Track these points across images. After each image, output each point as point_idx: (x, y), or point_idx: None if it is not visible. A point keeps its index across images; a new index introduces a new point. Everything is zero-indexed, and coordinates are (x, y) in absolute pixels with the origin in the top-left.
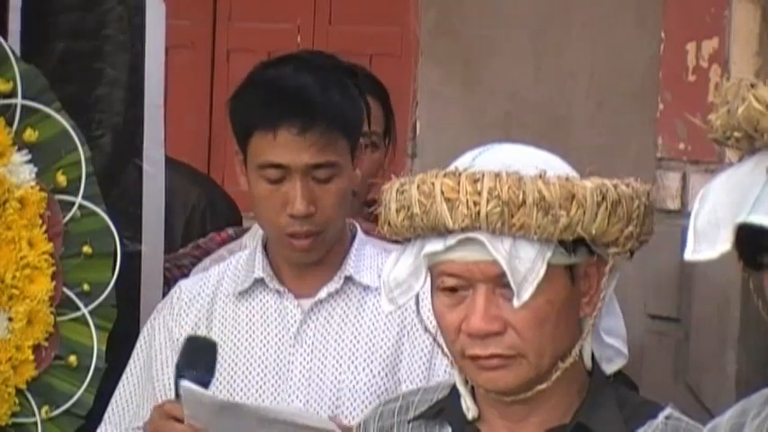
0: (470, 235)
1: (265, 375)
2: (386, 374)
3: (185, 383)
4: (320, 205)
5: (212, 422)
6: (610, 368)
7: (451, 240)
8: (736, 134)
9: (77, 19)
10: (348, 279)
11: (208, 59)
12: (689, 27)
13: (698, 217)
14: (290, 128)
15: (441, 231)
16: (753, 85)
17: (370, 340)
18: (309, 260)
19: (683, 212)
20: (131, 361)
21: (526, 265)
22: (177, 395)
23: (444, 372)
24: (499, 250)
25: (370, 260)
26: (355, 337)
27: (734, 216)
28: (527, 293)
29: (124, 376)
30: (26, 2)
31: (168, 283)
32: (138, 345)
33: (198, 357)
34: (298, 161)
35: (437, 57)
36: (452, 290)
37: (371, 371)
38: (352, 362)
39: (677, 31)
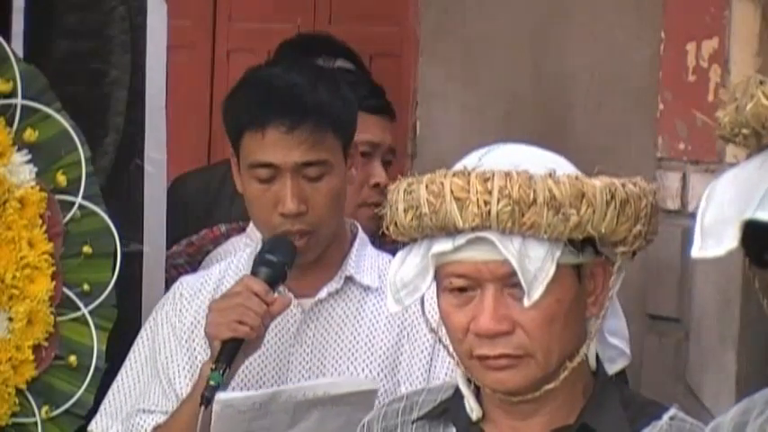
0: (480, 234)
1: (264, 374)
2: (385, 375)
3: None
4: (311, 204)
5: None
6: (612, 368)
7: (461, 240)
8: (744, 131)
9: (80, 19)
10: (349, 279)
11: (208, 59)
12: (689, 27)
13: (705, 214)
14: (279, 126)
15: (450, 231)
16: (762, 83)
17: (370, 341)
18: (305, 260)
19: (683, 212)
20: (131, 355)
21: (536, 264)
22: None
23: (445, 374)
24: (509, 249)
25: (371, 261)
26: (355, 338)
27: (741, 213)
28: (537, 293)
29: (123, 369)
30: (29, 3)
31: (166, 284)
32: (139, 340)
33: (279, 247)
34: (287, 159)
35: (437, 57)
36: (460, 290)
37: (370, 371)
38: (351, 362)
39: (677, 31)
